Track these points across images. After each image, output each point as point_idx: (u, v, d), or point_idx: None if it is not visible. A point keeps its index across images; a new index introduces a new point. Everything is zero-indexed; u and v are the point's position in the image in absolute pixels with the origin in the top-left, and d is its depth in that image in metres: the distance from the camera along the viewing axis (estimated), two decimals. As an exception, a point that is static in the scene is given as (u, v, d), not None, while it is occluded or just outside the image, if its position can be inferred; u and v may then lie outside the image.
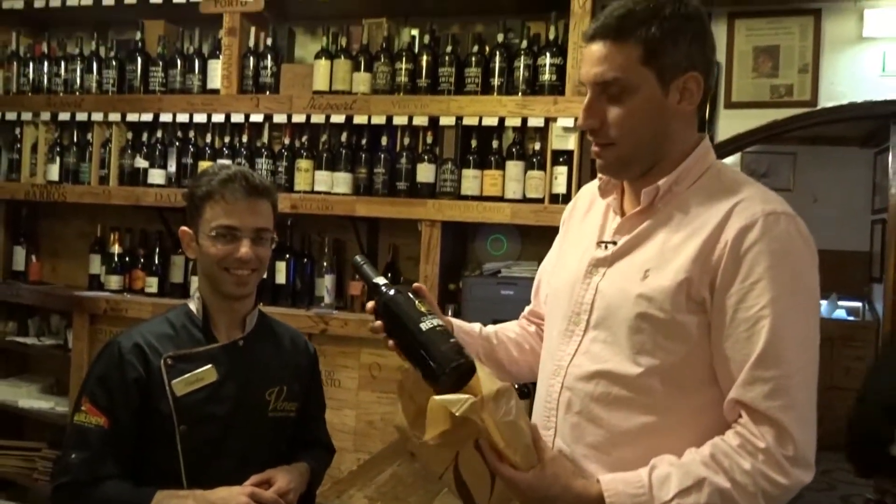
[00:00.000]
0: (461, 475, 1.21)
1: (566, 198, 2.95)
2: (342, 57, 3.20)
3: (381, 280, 1.36)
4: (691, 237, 1.17)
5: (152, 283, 3.52)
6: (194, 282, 3.45)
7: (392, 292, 1.32)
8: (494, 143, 3.05)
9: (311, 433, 1.84)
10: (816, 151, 6.68)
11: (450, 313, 3.10)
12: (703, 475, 1.10)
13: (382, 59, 3.16)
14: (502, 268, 3.12)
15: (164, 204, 3.39)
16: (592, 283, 1.25)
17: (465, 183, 3.05)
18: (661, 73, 1.18)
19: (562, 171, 2.95)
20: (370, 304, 1.35)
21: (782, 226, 1.13)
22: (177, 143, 3.44)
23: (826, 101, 3.05)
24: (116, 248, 3.58)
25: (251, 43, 3.34)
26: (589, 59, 1.22)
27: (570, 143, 2.94)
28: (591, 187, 1.42)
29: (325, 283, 3.32)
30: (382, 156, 3.16)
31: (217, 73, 3.35)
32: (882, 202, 5.64)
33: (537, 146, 3.03)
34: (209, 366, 1.61)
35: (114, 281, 3.54)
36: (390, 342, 1.33)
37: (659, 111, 1.19)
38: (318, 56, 3.25)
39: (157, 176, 3.42)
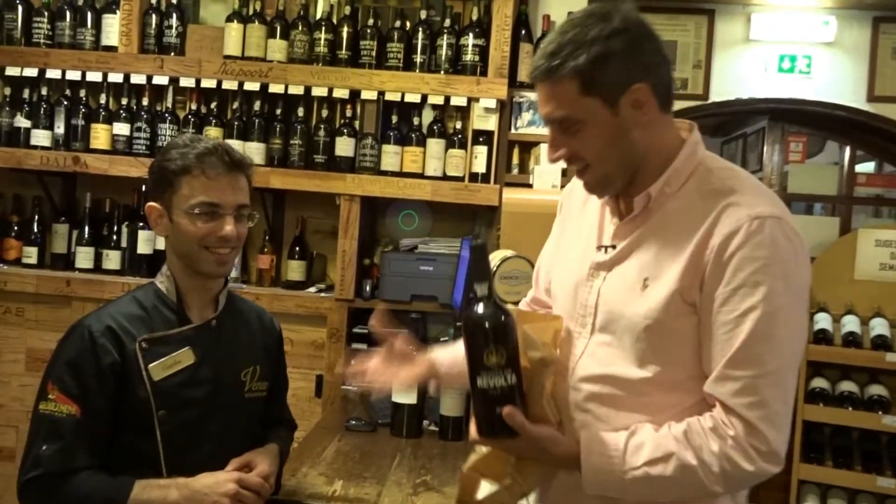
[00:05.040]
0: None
1: (485, 177, 3.04)
2: (256, 22, 3.08)
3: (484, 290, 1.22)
4: (684, 243, 1.20)
5: (31, 254, 3.25)
6: (80, 252, 3.22)
7: (505, 318, 1.21)
8: (416, 120, 3.06)
9: (277, 412, 1.81)
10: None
11: (367, 288, 3.11)
12: (672, 450, 1.16)
13: (300, 28, 3.07)
14: (419, 244, 3.16)
15: (50, 168, 3.12)
16: (595, 287, 1.29)
17: (386, 158, 3.05)
18: (604, 97, 1.19)
19: (482, 150, 3.02)
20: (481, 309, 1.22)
21: (766, 231, 1.15)
22: (65, 103, 3.16)
23: (715, 95, 3.34)
24: (-14, 214, 3.26)
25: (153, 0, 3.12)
26: (538, 99, 1.25)
27: (491, 123, 3.02)
28: None
29: (231, 257, 3.21)
30: (299, 127, 3.08)
31: (114, 30, 3.10)
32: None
33: (458, 125, 3.08)
34: (186, 348, 1.54)
35: (-18, 250, 3.23)
36: None
37: (617, 131, 1.21)
38: (229, 19, 3.10)
39: (41, 137, 3.14)
